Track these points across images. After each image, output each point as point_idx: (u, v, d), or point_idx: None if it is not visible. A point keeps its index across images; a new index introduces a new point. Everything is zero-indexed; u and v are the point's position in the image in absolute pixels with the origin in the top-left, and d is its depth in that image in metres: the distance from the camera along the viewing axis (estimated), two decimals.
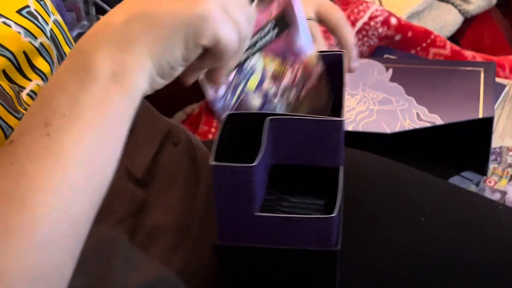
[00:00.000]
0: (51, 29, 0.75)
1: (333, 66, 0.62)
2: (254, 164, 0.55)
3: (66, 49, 0.76)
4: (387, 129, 1.08)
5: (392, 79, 1.18)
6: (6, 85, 0.67)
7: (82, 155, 0.51)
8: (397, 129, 1.08)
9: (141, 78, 0.53)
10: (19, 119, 0.67)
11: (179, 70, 0.57)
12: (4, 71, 0.67)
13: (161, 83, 0.56)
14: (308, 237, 0.58)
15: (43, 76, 0.71)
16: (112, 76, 0.52)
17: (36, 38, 0.71)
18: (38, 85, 0.71)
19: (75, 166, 0.51)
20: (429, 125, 1.08)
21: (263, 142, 0.58)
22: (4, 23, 0.69)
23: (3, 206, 0.49)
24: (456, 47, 1.39)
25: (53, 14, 0.77)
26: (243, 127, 0.62)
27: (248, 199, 0.57)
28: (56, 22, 0.77)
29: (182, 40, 0.54)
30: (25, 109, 0.68)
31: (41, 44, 0.72)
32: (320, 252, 0.58)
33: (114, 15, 0.55)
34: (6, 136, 0.63)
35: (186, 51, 0.55)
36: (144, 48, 0.53)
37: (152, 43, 0.53)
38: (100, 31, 0.54)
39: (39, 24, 0.73)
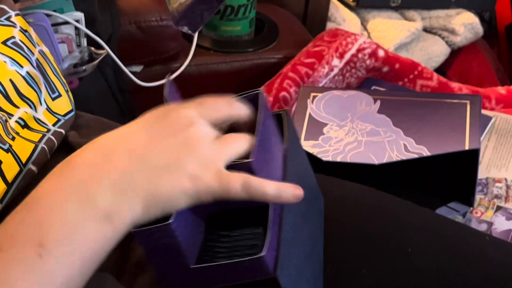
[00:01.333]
0: (37, 59, 0.75)
1: (252, 106, 0.63)
2: (170, 222, 0.56)
3: (53, 78, 0.77)
4: (375, 160, 1.09)
5: (380, 111, 1.18)
6: None
7: (66, 281, 0.55)
8: (384, 160, 1.09)
9: (131, 220, 0.57)
10: (5, 150, 0.67)
11: None
12: None
13: None
14: (247, 272, 0.58)
15: (31, 104, 0.72)
16: (107, 217, 0.56)
17: (22, 67, 0.72)
18: (26, 112, 0.71)
19: None
20: (416, 156, 1.09)
21: None
22: None
23: None
24: (443, 79, 1.40)
25: (38, 44, 0.77)
26: None
27: (177, 255, 0.57)
28: (41, 52, 0.77)
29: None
30: (13, 138, 0.68)
31: (28, 73, 0.72)
32: (263, 281, 0.58)
33: (117, 155, 0.57)
34: None
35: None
36: (140, 202, 0.57)
37: (149, 199, 0.57)
38: (103, 172, 0.57)
39: (24, 54, 0.73)
